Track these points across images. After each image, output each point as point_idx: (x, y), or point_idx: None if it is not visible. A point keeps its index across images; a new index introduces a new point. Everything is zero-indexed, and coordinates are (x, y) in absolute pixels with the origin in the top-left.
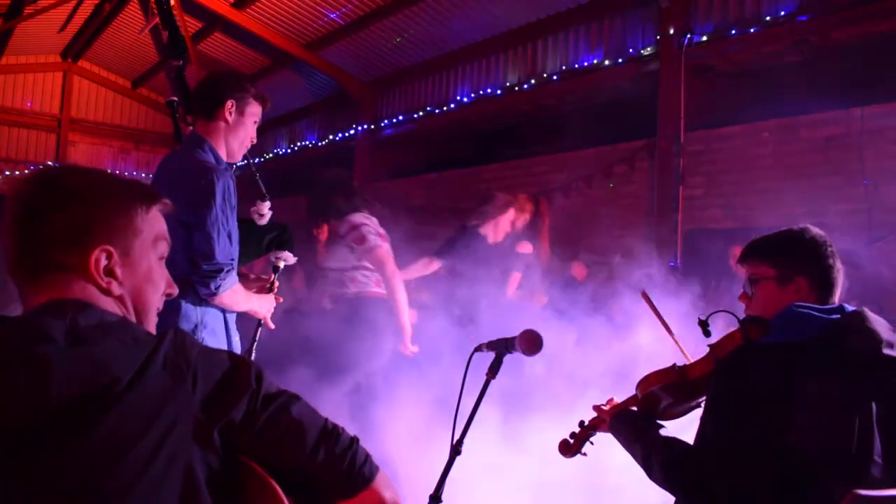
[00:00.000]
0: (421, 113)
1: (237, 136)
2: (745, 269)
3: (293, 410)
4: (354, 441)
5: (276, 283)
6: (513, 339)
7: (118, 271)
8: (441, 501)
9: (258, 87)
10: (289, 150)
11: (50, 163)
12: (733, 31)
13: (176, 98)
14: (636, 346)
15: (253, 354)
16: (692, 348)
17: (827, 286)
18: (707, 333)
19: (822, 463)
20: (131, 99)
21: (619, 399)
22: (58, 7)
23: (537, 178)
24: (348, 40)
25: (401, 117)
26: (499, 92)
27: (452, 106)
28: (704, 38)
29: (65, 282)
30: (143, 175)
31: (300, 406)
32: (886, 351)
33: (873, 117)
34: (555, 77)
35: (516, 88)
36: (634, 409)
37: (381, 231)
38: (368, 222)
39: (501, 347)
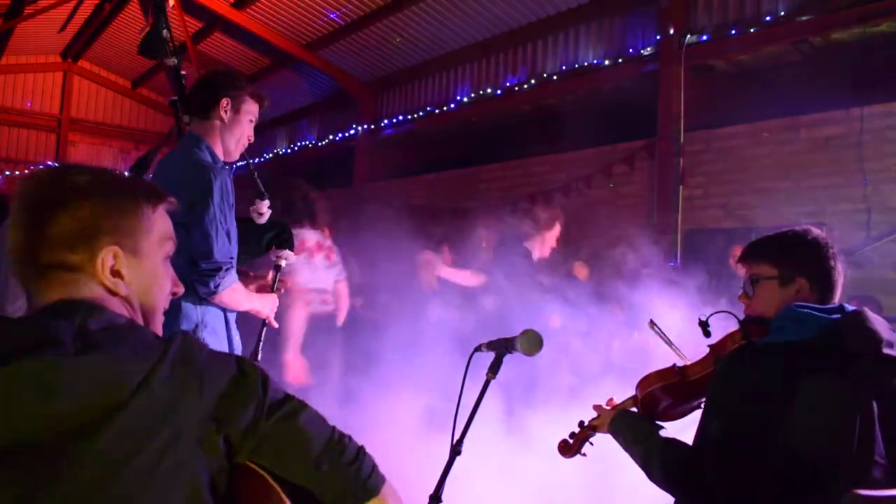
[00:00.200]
0: (421, 113)
1: (233, 134)
2: (745, 268)
3: (299, 419)
4: (361, 451)
5: (278, 282)
6: (513, 338)
7: (125, 272)
8: (441, 501)
9: (258, 87)
10: (289, 150)
11: (50, 163)
12: (733, 31)
13: (177, 98)
14: (636, 344)
15: (259, 354)
16: (692, 348)
17: (828, 287)
18: (707, 334)
19: (822, 463)
20: (131, 99)
21: (618, 399)
22: (58, 7)
23: (537, 178)
24: (348, 40)
25: (401, 117)
26: (499, 92)
27: (452, 106)
28: (704, 38)
29: (72, 282)
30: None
31: (306, 415)
32: (886, 350)
33: (873, 117)
34: (555, 77)
35: (516, 88)
36: (634, 409)
37: None
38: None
39: (501, 347)
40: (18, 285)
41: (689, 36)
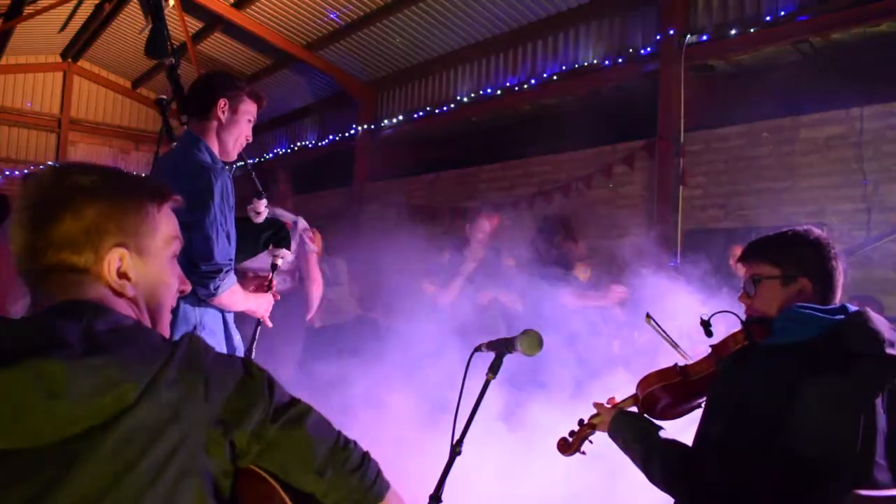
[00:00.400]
0: (421, 113)
1: (231, 134)
2: (746, 268)
3: (305, 424)
4: (366, 457)
5: (275, 282)
6: (513, 338)
7: (132, 273)
8: (441, 501)
9: (258, 88)
10: (289, 150)
11: (51, 163)
12: (733, 31)
13: (165, 97)
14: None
15: (253, 354)
16: (692, 349)
17: (829, 287)
18: (709, 334)
19: (824, 464)
20: (131, 99)
21: (619, 398)
22: (58, 7)
23: (537, 178)
24: (348, 40)
25: (401, 117)
26: (499, 92)
27: (452, 106)
28: (704, 38)
29: (77, 283)
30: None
31: (312, 419)
32: (889, 350)
33: (873, 117)
34: (555, 77)
35: (516, 88)
36: (634, 408)
37: None
38: None
39: (501, 347)
40: (20, 286)
41: (689, 36)
